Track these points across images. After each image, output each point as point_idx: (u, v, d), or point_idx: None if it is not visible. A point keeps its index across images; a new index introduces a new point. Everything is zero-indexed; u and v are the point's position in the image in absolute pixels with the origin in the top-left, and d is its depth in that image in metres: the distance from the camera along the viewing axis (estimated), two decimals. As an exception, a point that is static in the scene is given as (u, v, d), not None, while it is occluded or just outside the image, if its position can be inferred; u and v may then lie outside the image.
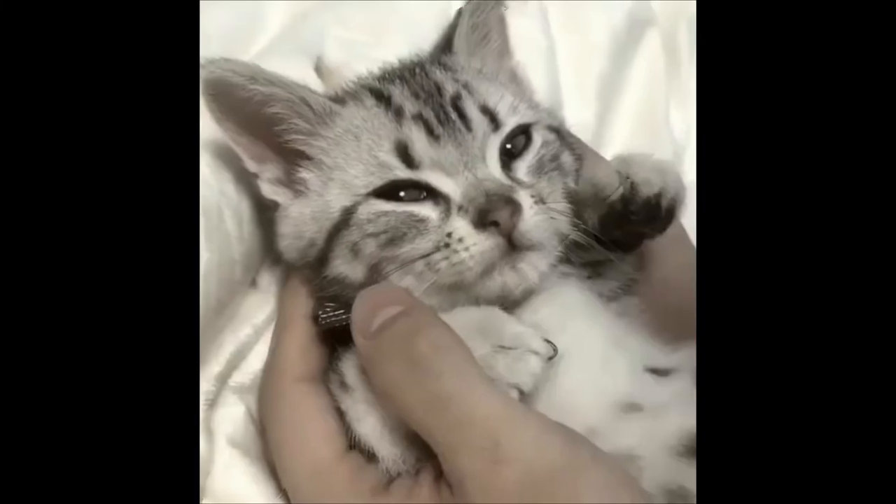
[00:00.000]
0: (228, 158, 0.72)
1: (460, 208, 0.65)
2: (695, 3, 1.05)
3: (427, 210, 0.66)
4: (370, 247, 0.66)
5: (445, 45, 0.80)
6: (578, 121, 0.96)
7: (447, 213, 0.65)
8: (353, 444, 0.64)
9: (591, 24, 1.03)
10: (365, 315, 0.61)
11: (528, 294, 0.67)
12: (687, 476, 0.59)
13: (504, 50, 0.82)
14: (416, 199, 0.67)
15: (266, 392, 0.69)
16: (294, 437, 0.65)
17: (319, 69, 0.87)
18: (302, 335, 0.69)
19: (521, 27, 0.93)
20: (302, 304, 0.70)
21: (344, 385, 0.66)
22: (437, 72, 0.74)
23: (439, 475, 0.58)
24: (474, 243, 0.63)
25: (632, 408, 0.63)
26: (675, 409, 0.62)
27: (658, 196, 0.66)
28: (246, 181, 0.74)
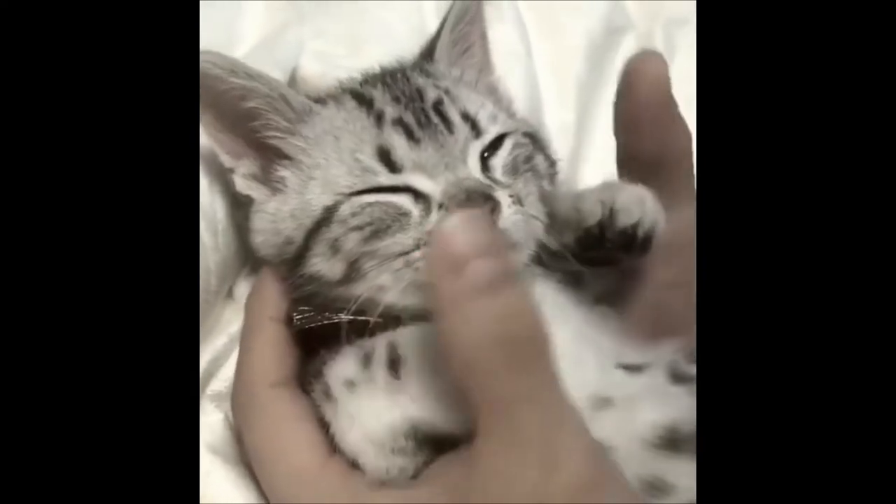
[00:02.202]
0: (202, 167, 0.72)
1: (441, 206, 0.65)
2: (669, 4, 1.08)
3: (409, 204, 0.66)
4: (352, 241, 0.66)
5: (427, 53, 0.80)
6: (559, 123, 0.98)
7: (428, 211, 0.66)
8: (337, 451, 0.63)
9: (566, 30, 1.04)
10: (453, 261, 0.51)
11: None
12: (662, 467, 0.59)
13: (485, 65, 0.83)
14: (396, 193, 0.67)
15: (241, 398, 0.68)
16: (274, 444, 0.65)
17: (294, 80, 0.88)
18: (273, 339, 0.68)
19: (499, 33, 0.93)
20: (270, 306, 0.70)
21: (328, 395, 0.64)
22: (419, 78, 0.74)
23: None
24: None
25: (604, 403, 0.62)
26: (647, 403, 0.62)
27: (635, 226, 0.66)
28: (219, 189, 0.74)
